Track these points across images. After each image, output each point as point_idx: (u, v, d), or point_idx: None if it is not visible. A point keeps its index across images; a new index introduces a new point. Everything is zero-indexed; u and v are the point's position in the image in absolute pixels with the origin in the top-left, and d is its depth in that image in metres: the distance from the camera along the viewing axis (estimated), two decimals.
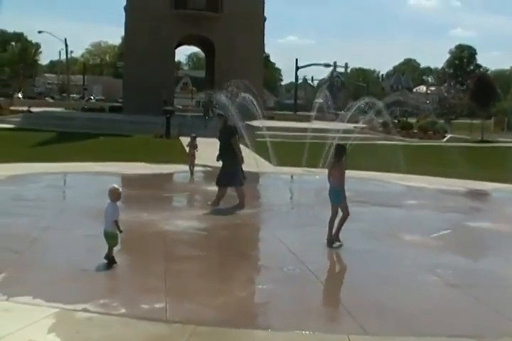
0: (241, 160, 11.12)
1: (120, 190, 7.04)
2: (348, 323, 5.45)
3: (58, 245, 7.94)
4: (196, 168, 15.66)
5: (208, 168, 16.44)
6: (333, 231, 8.24)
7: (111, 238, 6.85)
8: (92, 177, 14.74)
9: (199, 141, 16.14)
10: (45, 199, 11.24)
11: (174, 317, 5.31)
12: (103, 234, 6.91)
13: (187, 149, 15.87)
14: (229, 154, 10.94)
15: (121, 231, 6.87)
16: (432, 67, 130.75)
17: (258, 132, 17.40)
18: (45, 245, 7.95)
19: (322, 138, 15.35)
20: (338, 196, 8.20)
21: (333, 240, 8.24)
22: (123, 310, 5.43)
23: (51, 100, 76.47)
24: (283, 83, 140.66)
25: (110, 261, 6.82)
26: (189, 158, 15.52)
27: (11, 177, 13.11)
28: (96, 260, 7.07)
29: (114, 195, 6.96)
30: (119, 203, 7.06)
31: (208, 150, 16.85)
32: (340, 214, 8.28)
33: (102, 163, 16.74)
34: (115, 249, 6.92)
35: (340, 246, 8.21)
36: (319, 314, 5.86)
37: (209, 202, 10.96)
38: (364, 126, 28.46)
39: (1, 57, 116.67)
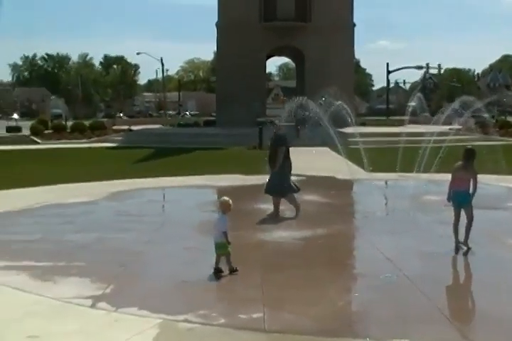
0: (286, 169, 11.11)
1: (230, 201, 7.21)
2: (450, 332, 5.31)
3: (160, 258, 8.25)
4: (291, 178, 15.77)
5: (302, 177, 16.53)
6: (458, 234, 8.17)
7: (220, 248, 7.05)
8: (189, 191, 15.20)
9: (292, 150, 16.24)
10: (146, 214, 11.68)
11: (272, 326, 5.39)
12: (215, 245, 7.10)
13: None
14: (273, 163, 11.01)
15: (229, 243, 7.06)
16: None
17: (350, 139, 17.27)
18: (147, 258, 8.29)
19: (417, 142, 15.04)
20: (467, 198, 8.17)
21: (461, 245, 8.11)
22: (222, 321, 5.58)
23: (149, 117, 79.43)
24: (374, 88, 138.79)
25: (231, 271, 7.04)
26: None
27: (115, 194, 13.75)
28: (196, 271, 7.32)
29: (225, 206, 7.18)
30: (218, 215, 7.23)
31: (301, 160, 16.97)
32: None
33: (198, 176, 17.21)
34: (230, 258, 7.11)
35: (468, 250, 8.03)
36: (418, 322, 5.74)
37: (267, 214, 11.00)
38: (459, 127, 27.51)
39: (104, 80, 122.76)
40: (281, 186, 10.97)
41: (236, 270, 7.06)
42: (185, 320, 5.55)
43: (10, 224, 10.71)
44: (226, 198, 7.27)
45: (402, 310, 5.96)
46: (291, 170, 11.34)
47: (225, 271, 7.08)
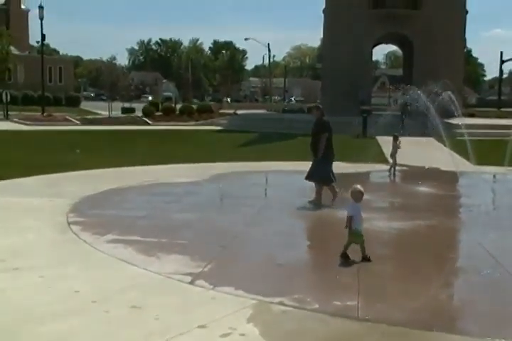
0: (329, 157, 10.79)
1: (362, 189, 7.18)
2: None
3: (259, 240, 8.43)
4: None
5: (405, 168, 16.21)
6: None
7: (352, 235, 7.07)
8: (290, 176, 15.31)
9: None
10: (247, 196, 11.93)
11: (366, 315, 5.39)
12: (354, 232, 7.10)
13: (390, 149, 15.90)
14: (316, 150, 10.72)
15: (345, 227, 7.10)
16: None
17: (457, 130, 16.73)
18: (247, 239, 8.49)
19: None
20: None
21: None
22: (316, 306, 5.63)
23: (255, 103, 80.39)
24: (486, 78, 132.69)
25: (366, 259, 7.05)
26: (392, 158, 15.56)
27: (218, 176, 14.11)
28: (293, 255, 7.43)
29: (356, 195, 7.16)
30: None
31: (405, 150, 16.63)
32: None
33: (300, 161, 17.27)
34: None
35: None
36: None
37: (309, 200, 10.77)
38: None
39: (213, 65, 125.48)
40: (322, 174, 10.72)
41: (369, 259, 7.04)
42: (280, 303, 5.65)
43: (121, 199, 11.34)
44: (358, 187, 7.22)
45: (502, 309, 5.75)
46: (333, 158, 10.99)
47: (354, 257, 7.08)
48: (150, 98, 74.83)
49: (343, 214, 9.95)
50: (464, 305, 5.92)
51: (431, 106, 12.86)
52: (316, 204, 10.68)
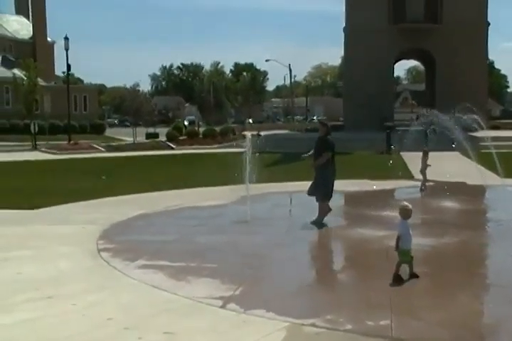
0: (330, 174, 10.97)
1: (410, 206, 7.13)
2: None
3: (287, 261, 8.38)
4: (419, 183, 15.47)
5: (431, 183, 16.08)
6: None
7: (400, 255, 7.02)
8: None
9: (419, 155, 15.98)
10: (275, 217, 11.93)
11: (400, 334, 5.33)
12: (404, 252, 7.06)
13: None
14: (321, 167, 10.84)
15: (395, 248, 7.03)
16: None
17: (482, 143, 16.58)
18: (275, 261, 8.46)
19: None
20: None
21: None
22: (349, 326, 5.59)
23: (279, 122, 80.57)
24: (509, 90, 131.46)
25: (414, 276, 7.02)
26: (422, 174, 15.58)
27: (245, 198, 14.07)
28: (321, 275, 7.39)
29: (404, 212, 7.11)
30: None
31: (432, 164, 16.50)
32: None
33: None
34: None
35: None
36: None
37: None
38: None
39: (235, 87, 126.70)
40: (323, 189, 10.84)
41: (417, 276, 7.02)
42: (312, 325, 5.62)
43: (149, 224, 11.42)
44: (406, 204, 7.18)
45: None
46: (334, 176, 11.11)
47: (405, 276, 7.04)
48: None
49: (364, 232, 10.00)
50: (499, 322, 5.81)
51: (455, 127, 12.86)
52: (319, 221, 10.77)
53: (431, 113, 13.47)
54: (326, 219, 10.95)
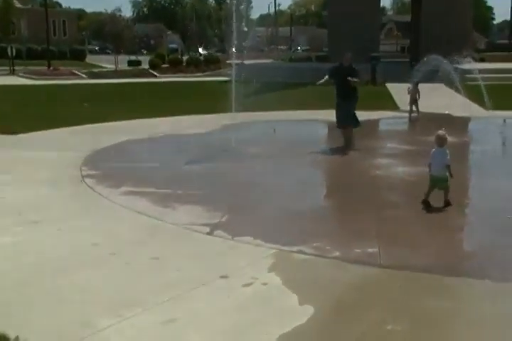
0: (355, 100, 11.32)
1: (447, 135, 7.18)
2: None
3: (275, 189, 8.31)
4: (404, 114, 15.42)
5: (415, 114, 16.02)
6: None
7: (443, 181, 7.04)
8: (301, 125, 15.22)
9: (406, 87, 15.83)
10: (261, 146, 11.79)
11: (388, 261, 5.35)
12: (431, 178, 7.12)
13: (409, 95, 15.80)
14: (352, 94, 11.15)
15: (451, 176, 7.03)
16: None
17: (468, 75, 16.39)
18: (262, 189, 8.36)
19: None
20: None
21: None
22: (337, 253, 5.59)
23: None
24: (495, 22, 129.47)
25: (446, 204, 7.04)
26: (411, 104, 15.54)
27: (229, 126, 13.87)
28: (310, 204, 7.38)
29: (442, 140, 7.13)
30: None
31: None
32: None
33: (308, 110, 17.11)
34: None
35: None
36: None
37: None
38: None
39: (218, 15, 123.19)
40: (354, 116, 11.22)
41: (450, 204, 7.04)
42: (300, 251, 5.62)
43: (133, 151, 11.32)
44: (442, 132, 7.19)
45: None
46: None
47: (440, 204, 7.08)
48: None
49: (360, 160, 9.99)
50: (486, 250, 5.85)
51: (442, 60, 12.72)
52: (350, 147, 11.07)
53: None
54: (311, 148, 10.92)
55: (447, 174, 7.00)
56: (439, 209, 7.05)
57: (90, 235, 6.13)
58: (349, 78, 10.95)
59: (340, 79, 11.17)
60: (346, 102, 11.17)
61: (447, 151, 7.08)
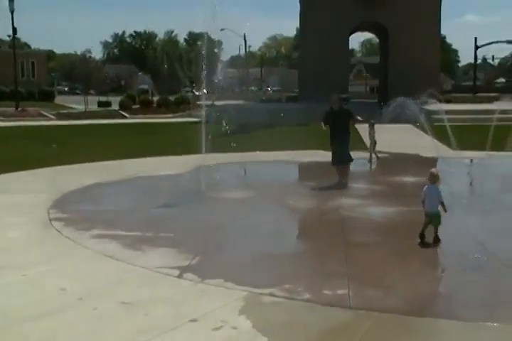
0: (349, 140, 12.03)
1: (439, 173, 7.45)
2: None
3: (245, 230, 8.35)
4: (374, 155, 15.58)
5: (386, 154, 16.26)
6: None
7: (437, 217, 7.28)
8: (273, 166, 15.29)
9: (375, 127, 16.03)
10: (233, 187, 11.82)
11: (357, 303, 5.36)
12: (426, 214, 7.35)
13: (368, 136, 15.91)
14: (347, 134, 11.82)
15: (446, 211, 7.29)
16: None
17: (435, 116, 16.80)
18: (233, 230, 8.40)
19: (506, 119, 14.42)
20: None
21: None
22: (307, 296, 5.59)
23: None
24: (460, 64, 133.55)
25: (436, 240, 7.26)
26: (370, 145, 15.57)
27: (201, 167, 13.91)
28: (280, 245, 7.38)
29: (435, 177, 7.39)
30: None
31: (385, 137, 16.66)
32: None
33: (280, 151, 17.24)
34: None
35: None
36: (510, 306, 5.54)
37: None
38: None
39: (189, 56, 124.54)
40: (349, 155, 11.91)
41: (439, 239, 7.25)
42: (271, 294, 5.60)
43: (103, 194, 11.22)
44: (435, 170, 7.52)
45: (492, 292, 5.77)
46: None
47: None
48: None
49: (330, 199, 10.07)
50: (453, 290, 5.92)
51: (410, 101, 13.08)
52: (345, 184, 11.66)
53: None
54: (284, 188, 10.98)
55: (440, 210, 7.26)
56: (407, 249, 7.12)
57: (57, 280, 6.03)
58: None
59: (334, 122, 11.79)
60: (343, 142, 11.77)
61: (439, 188, 7.34)
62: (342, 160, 11.88)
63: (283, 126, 27.83)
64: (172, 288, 5.85)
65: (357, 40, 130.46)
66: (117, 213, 9.33)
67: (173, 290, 5.79)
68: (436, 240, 7.27)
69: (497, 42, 72.07)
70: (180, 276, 6.14)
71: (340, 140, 11.75)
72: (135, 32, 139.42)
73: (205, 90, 15.28)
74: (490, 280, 6.10)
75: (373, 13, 42.59)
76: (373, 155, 15.38)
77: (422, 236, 7.32)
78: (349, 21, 42.82)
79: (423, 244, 7.21)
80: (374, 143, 15.48)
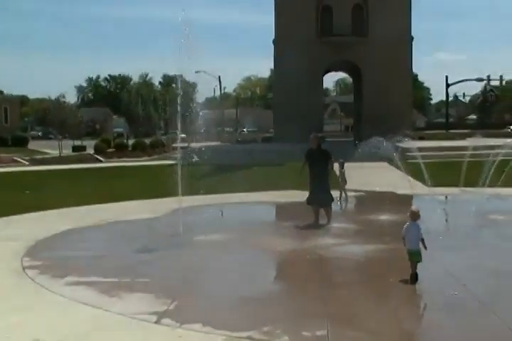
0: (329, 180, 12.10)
1: (417, 210, 7.57)
2: None
3: (222, 274, 8.27)
4: (349, 193, 15.67)
5: (361, 193, 16.38)
6: None
7: (416, 255, 7.32)
8: (250, 207, 15.29)
9: (351, 166, 16.22)
10: (208, 230, 11.75)
11: None
12: (407, 252, 7.38)
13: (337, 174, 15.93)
14: (325, 175, 11.82)
15: (426, 248, 7.36)
16: None
17: (409, 153, 17.05)
18: (209, 274, 8.32)
19: (479, 156, 14.68)
20: None
21: None
22: (286, 338, 5.54)
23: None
24: (432, 102, 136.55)
25: (415, 278, 7.27)
26: (341, 184, 15.53)
27: (177, 210, 13.84)
28: (257, 287, 7.33)
29: (415, 215, 7.51)
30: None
31: (360, 175, 16.82)
32: None
33: (257, 192, 17.28)
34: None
35: None
36: None
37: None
38: None
39: (164, 99, 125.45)
40: (330, 197, 11.93)
41: (417, 278, 7.25)
42: (249, 337, 5.54)
43: (78, 240, 11.04)
44: (416, 207, 7.68)
45: (471, 330, 5.78)
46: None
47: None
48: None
49: (306, 239, 10.05)
50: (432, 328, 5.91)
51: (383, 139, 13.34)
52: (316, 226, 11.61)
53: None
54: (261, 230, 10.95)
55: (420, 248, 7.32)
56: (386, 288, 7.12)
57: (31, 330, 5.90)
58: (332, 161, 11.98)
59: (312, 162, 11.92)
60: (321, 182, 11.79)
61: (419, 225, 7.42)
62: (321, 201, 11.84)
63: (259, 167, 28.01)
64: (149, 334, 5.76)
65: (331, 79, 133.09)
66: (93, 259, 9.20)
67: (151, 336, 5.70)
68: (414, 277, 7.27)
69: (467, 80, 74.06)
70: (157, 322, 6.05)
71: (319, 180, 11.78)
72: (109, 75, 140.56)
73: (179, 132, 15.29)
74: (468, 317, 6.12)
75: (346, 54, 43.69)
76: (343, 194, 15.36)
77: (413, 276, 7.30)
78: (322, 61, 43.81)
79: (405, 282, 7.20)
80: (344, 181, 15.50)
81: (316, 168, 11.81)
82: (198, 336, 5.65)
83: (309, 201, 12.00)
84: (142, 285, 7.56)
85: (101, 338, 5.67)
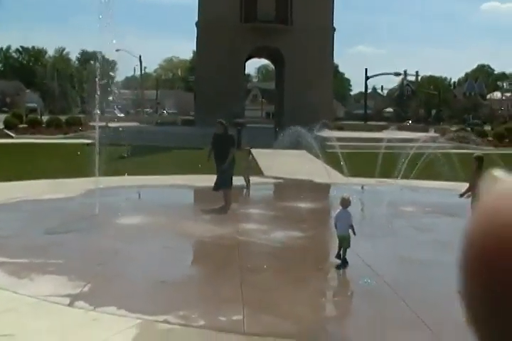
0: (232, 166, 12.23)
1: (348, 197, 7.81)
2: (429, 339, 5.36)
3: (138, 257, 8.18)
4: (268, 180, 15.83)
5: (280, 180, 16.57)
6: None
7: (346, 241, 7.54)
8: (167, 190, 15.14)
9: (270, 153, 16.36)
10: (125, 212, 11.54)
11: (252, 329, 5.38)
12: (338, 237, 7.62)
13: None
14: (226, 160, 11.97)
15: (355, 234, 7.61)
16: (507, 72, 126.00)
17: (328, 143, 17.39)
18: (126, 257, 8.20)
19: (395, 147, 15.18)
20: None
21: None
22: (202, 322, 5.54)
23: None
24: (352, 93, 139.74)
25: (344, 262, 7.50)
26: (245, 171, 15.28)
27: (92, 191, 13.53)
28: (174, 271, 7.28)
29: (347, 202, 7.74)
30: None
31: (279, 162, 17.00)
32: None
33: (175, 175, 17.12)
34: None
35: None
36: (398, 328, 5.76)
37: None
38: (436, 135, 27.81)
39: (81, 75, 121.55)
40: (228, 181, 12.01)
41: (347, 262, 7.49)
42: (165, 321, 5.50)
43: None
44: (347, 195, 7.92)
45: (382, 316, 5.99)
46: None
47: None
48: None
49: (225, 225, 10.08)
50: (345, 314, 6.10)
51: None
52: (227, 209, 11.62)
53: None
54: (179, 214, 10.87)
55: (350, 233, 7.59)
56: (303, 274, 7.25)
57: None
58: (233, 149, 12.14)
59: (216, 147, 12.10)
60: (225, 167, 11.87)
61: (350, 212, 7.70)
62: (216, 184, 11.97)
63: (178, 150, 27.77)
64: (62, 317, 5.61)
65: (253, 66, 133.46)
66: (2, 239, 8.82)
67: (63, 319, 5.55)
68: (344, 262, 7.55)
69: (386, 74, 76.28)
70: (70, 304, 5.90)
71: (221, 165, 11.92)
72: (22, 47, 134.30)
73: (98, 111, 14.86)
74: (379, 304, 6.33)
75: (269, 40, 43.83)
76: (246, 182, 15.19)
77: (338, 256, 7.61)
78: (244, 47, 43.78)
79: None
80: (250, 169, 15.39)
81: (219, 153, 11.98)
82: (113, 319, 5.55)
83: (214, 187, 12.06)
84: (54, 266, 7.33)
85: (9, 321, 5.46)
